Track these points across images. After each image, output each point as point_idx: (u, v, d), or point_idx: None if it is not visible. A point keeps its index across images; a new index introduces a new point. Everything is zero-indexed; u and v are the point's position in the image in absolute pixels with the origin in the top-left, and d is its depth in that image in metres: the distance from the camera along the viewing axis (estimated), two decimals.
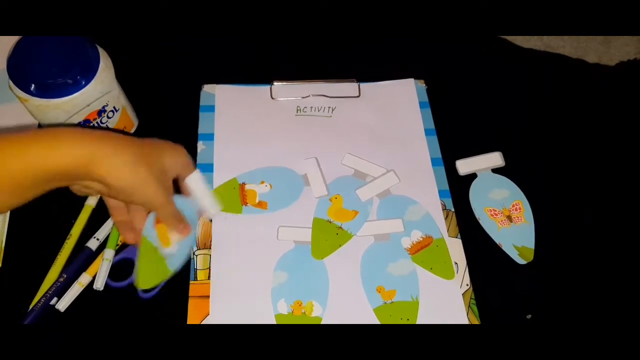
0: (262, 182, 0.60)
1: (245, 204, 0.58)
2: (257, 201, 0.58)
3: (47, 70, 0.51)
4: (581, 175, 0.63)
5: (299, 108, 0.66)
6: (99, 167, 0.40)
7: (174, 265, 0.51)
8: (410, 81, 0.69)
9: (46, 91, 0.51)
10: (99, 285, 0.52)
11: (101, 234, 0.55)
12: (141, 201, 0.46)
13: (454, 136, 0.64)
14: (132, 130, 0.63)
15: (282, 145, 0.62)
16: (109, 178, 0.41)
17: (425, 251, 0.56)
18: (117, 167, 0.41)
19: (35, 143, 0.39)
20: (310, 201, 0.59)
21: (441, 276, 0.55)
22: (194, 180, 0.51)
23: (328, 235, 0.56)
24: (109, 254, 0.54)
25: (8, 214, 0.56)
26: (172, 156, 0.47)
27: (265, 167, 0.61)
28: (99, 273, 0.53)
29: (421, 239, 0.57)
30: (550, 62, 0.73)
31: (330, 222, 0.57)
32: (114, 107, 0.57)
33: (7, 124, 0.62)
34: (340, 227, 0.57)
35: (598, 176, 0.63)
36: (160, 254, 0.50)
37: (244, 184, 0.59)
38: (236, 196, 0.58)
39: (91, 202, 0.57)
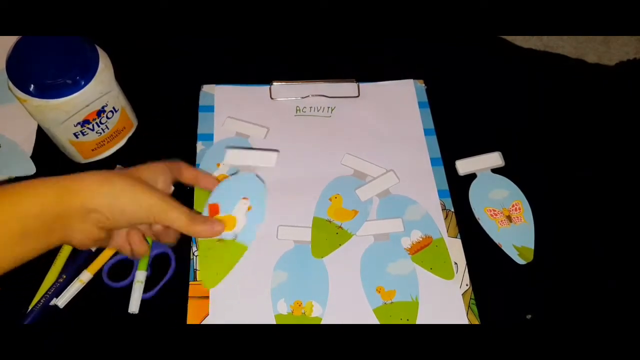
0: (218, 164, 0.60)
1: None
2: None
3: (46, 71, 0.51)
4: (581, 176, 0.63)
5: (298, 108, 0.66)
6: (76, 194, 0.38)
7: (248, 239, 0.49)
8: (410, 81, 0.69)
9: (45, 91, 0.51)
10: (134, 309, 0.51)
11: None
12: (142, 213, 0.41)
13: (453, 136, 0.64)
14: (132, 131, 0.63)
15: (280, 146, 0.62)
16: (91, 200, 0.38)
17: (425, 251, 0.56)
18: (94, 186, 0.39)
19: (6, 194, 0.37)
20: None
21: (441, 276, 0.55)
22: (232, 157, 0.52)
23: (328, 235, 0.56)
24: (141, 275, 0.53)
25: None
26: (149, 171, 0.44)
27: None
28: (132, 295, 0.52)
29: (421, 239, 0.57)
30: (550, 62, 0.73)
31: (330, 221, 0.57)
32: (114, 108, 0.57)
33: (7, 125, 0.62)
34: (340, 227, 0.57)
35: (598, 176, 0.63)
36: (225, 241, 0.49)
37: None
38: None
39: None
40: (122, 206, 0.40)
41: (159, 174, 0.45)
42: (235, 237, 0.50)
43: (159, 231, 0.45)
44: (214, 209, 0.50)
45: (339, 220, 0.58)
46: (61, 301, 0.51)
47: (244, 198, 0.51)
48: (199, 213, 0.47)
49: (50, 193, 0.37)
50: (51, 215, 0.37)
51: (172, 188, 0.48)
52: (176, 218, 0.43)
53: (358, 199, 0.59)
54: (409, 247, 0.57)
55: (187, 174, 0.49)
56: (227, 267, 0.50)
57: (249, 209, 0.51)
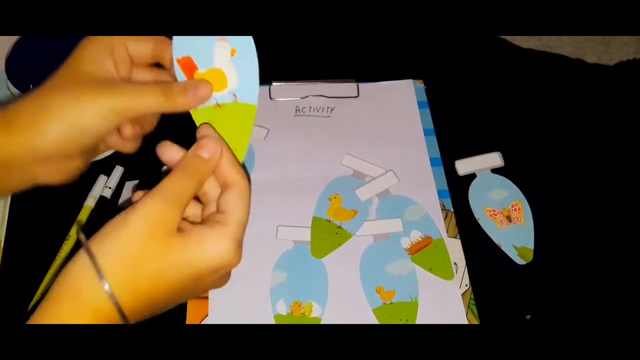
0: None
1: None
2: None
3: (45, 71, 0.51)
4: (581, 176, 0.63)
5: (297, 108, 0.66)
6: (11, 140, 0.31)
7: (251, 95, 0.37)
8: (409, 81, 0.69)
9: None
10: None
11: None
12: (107, 120, 0.33)
13: (453, 136, 0.64)
14: None
15: (280, 146, 0.62)
16: (32, 140, 0.31)
17: (424, 251, 0.56)
18: (28, 121, 0.31)
19: None
20: None
21: (440, 276, 0.55)
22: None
23: (327, 235, 0.56)
24: None
25: (7, 213, 0.56)
26: (92, 58, 0.35)
27: None
28: None
29: (420, 239, 0.57)
30: (550, 62, 0.73)
31: (329, 221, 0.57)
32: None
33: None
34: (340, 227, 0.57)
35: (598, 176, 0.63)
36: (225, 106, 0.38)
37: None
38: None
39: (90, 203, 0.57)
40: (77, 127, 0.32)
41: (103, 54, 0.35)
42: (235, 97, 0.38)
43: (134, 128, 0.37)
44: (188, 65, 0.37)
45: (339, 220, 0.58)
46: None
47: (221, 39, 0.38)
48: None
49: None
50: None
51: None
52: (149, 102, 0.34)
53: (358, 199, 0.59)
54: (409, 247, 0.56)
55: (136, 47, 0.37)
56: (243, 136, 0.38)
57: (232, 53, 0.38)
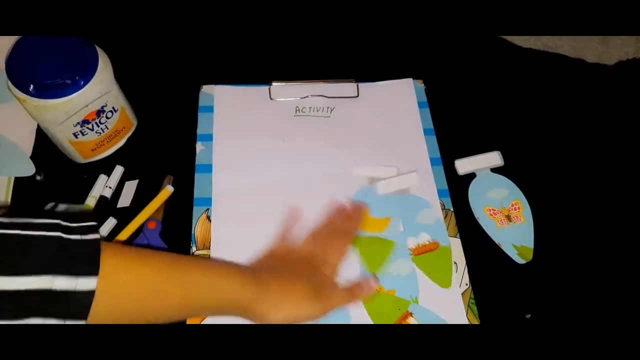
0: None
1: None
2: None
3: (45, 71, 0.51)
4: (580, 175, 0.63)
5: (297, 108, 0.66)
6: (254, 311, 0.46)
7: None
8: (409, 81, 0.69)
9: (44, 91, 0.51)
10: None
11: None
12: None
13: (452, 136, 0.64)
14: (132, 131, 0.63)
15: (280, 146, 0.62)
16: (265, 320, 0.47)
17: (428, 255, 0.56)
18: (269, 310, 0.47)
19: (220, 279, 0.45)
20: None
21: (437, 283, 0.54)
22: None
23: (374, 249, 0.56)
24: None
25: (7, 213, 0.56)
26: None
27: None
28: None
29: (427, 243, 0.57)
30: (549, 62, 0.73)
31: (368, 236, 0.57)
32: (113, 108, 0.57)
33: (6, 125, 0.62)
34: (379, 238, 0.57)
35: (597, 176, 0.63)
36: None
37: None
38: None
39: (90, 203, 0.57)
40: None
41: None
42: None
43: None
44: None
45: (375, 231, 0.57)
46: None
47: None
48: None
49: (243, 302, 0.46)
50: (233, 313, 0.47)
51: None
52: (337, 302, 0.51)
53: (382, 204, 0.59)
54: (414, 247, 0.56)
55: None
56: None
57: None
